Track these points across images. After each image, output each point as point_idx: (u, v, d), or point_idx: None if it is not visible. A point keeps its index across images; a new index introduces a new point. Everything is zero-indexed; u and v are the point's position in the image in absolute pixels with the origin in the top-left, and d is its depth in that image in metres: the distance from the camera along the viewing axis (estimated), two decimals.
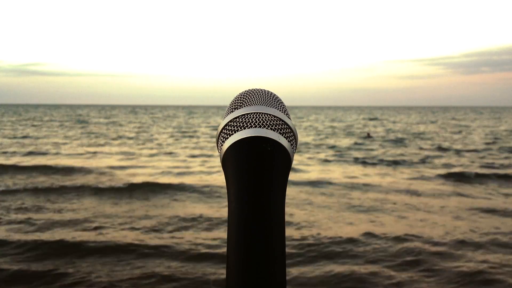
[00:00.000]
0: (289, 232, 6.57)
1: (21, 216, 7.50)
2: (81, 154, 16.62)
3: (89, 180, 11.00)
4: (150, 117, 59.33)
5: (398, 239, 6.44)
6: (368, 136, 26.78)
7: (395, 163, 14.97)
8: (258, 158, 0.58)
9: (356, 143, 22.16)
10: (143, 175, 11.67)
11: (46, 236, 6.42)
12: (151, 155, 16.63)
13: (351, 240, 6.36)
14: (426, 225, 7.26)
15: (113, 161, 14.62)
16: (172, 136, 26.26)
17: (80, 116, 60.39)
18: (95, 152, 17.19)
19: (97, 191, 9.64)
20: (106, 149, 18.40)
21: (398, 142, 23.15)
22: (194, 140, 24.03)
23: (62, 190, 9.74)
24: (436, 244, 6.27)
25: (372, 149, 19.47)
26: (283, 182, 0.60)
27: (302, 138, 26.12)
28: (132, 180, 10.89)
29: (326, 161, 15.54)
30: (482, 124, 44.73)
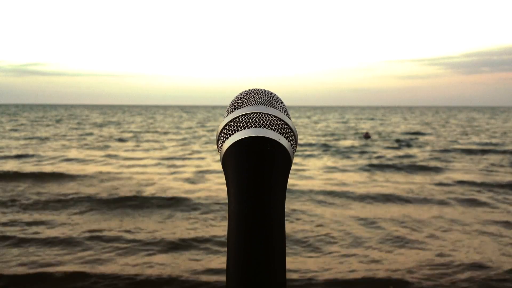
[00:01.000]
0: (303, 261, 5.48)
1: None
2: (75, 158, 15.42)
3: (81, 189, 9.73)
4: (150, 118, 59.23)
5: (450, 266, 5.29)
6: (366, 136, 26.32)
7: (410, 168, 13.67)
8: (258, 158, 0.58)
9: (358, 145, 21.17)
10: (142, 185, 10.36)
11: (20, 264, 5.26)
12: (151, 159, 15.61)
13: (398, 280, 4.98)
14: (472, 249, 5.99)
15: (110, 167, 13.41)
16: (173, 138, 25.92)
17: (77, 116, 60.32)
18: (90, 156, 16.05)
19: (88, 203, 8.37)
20: (104, 152, 17.34)
21: (401, 143, 22.28)
22: (194, 142, 23.46)
23: (49, 201, 8.50)
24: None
25: (374, 152, 18.50)
26: (283, 182, 0.60)
27: (301, 138, 25.88)
28: (131, 190, 9.61)
29: (331, 167, 14.03)
30: (487, 123, 44.47)
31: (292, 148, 0.63)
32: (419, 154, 17.42)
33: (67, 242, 6.10)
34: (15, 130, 29.91)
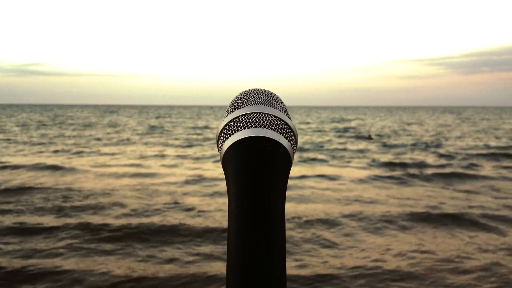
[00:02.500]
0: None
1: None
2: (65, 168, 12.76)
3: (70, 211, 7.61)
4: (151, 118, 59.13)
5: None
6: (369, 137, 25.52)
7: (446, 176, 11.62)
8: (258, 158, 0.59)
9: (369, 148, 19.61)
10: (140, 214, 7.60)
11: None
12: (155, 168, 13.38)
13: None
14: None
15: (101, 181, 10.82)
16: (177, 138, 24.78)
17: (77, 117, 60.21)
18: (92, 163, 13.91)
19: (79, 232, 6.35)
20: (101, 159, 15.05)
21: (412, 145, 20.73)
22: (196, 144, 21.89)
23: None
24: None
25: (391, 154, 16.70)
26: (283, 182, 0.60)
27: (302, 139, 25.56)
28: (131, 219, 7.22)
29: (364, 178, 11.51)
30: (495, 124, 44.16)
31: (292, 148, 0.63)
32: (434, 160, 15.45)
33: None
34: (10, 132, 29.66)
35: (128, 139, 23.68)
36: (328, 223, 7.14)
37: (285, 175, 0.61)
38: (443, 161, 15.04)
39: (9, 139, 22.71)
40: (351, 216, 7.56)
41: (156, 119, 53.95)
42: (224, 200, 8.77)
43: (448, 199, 9.06)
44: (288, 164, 0.62)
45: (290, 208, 8.01)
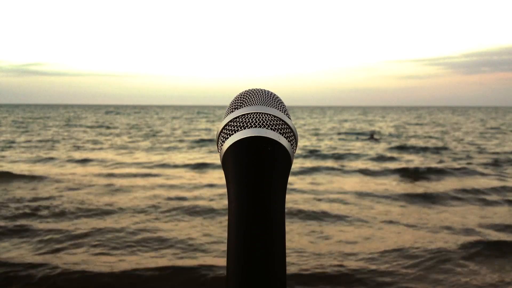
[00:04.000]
0: None
1: None
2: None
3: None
4: (154, 118, 58.95)
5: None
6: (372, 137, 24.56)
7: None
8: (258, 158, 0.59)
9: (384, 154, 17.44)
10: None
11: None
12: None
13: None
14: None
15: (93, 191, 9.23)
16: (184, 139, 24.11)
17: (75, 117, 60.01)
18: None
19: None
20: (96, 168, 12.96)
21: (424, 148, 19.28)
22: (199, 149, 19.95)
23: None
24: None
25: (409, 161, 14.97)
26: (283, 182, 0.60)
27: (309, 142, 25.32)
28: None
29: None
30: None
31: (292, 148, 0.63)
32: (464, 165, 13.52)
33: None
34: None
35: (121, 143, 21.85)
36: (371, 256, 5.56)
37: (285, 175, 0.61)
38: (467, 166, 13.40)
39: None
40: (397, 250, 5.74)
41: (155, 119, 53.82)
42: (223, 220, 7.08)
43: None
44: (288, 164, 0.62)
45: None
